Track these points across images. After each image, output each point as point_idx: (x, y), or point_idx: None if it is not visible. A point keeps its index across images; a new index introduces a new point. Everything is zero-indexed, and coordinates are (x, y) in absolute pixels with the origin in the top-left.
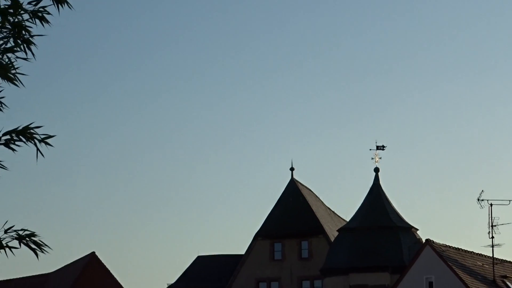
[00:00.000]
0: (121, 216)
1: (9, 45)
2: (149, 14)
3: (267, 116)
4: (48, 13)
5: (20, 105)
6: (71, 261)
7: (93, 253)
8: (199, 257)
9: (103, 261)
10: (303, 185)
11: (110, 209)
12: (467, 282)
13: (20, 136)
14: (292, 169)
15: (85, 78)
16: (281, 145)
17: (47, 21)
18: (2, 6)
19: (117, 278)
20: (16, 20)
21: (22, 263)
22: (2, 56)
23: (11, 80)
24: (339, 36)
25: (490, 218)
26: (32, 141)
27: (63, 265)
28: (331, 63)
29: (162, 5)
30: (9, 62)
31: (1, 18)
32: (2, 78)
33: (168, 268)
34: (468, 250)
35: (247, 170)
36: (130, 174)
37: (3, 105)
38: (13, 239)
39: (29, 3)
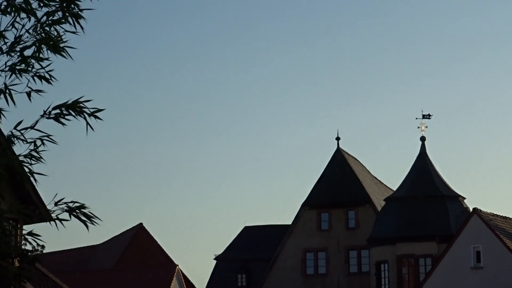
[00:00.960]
0: (168, 187)
1: (57, 17)
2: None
3: (312, 86)
4: None
5: (70, 79)
6: (119, 232)
7: (141, 224)
8: (246, 228)
9: (150, 232)
10: (349, 154)
11: (158, 180)
12: None
13: (70, 110)
14: (338, 138)
15: (133, 51)
16: (327, 114)
17: None
18: None
19: (165, 249)
20: None
21: (72, 235)
22: (50, 28)
23: (59, 52)
24: (381, 2)
25: None
26: (82, 115)
27: (111, 237)
28: (376, 31)
29: None
30: (57, 35)
31: None
32: (51, 51)
33: (215, 239)
34: None
35: (293, 141)
36: (177, 145)
37: (52, 78)
38: (64, 211)
39: None
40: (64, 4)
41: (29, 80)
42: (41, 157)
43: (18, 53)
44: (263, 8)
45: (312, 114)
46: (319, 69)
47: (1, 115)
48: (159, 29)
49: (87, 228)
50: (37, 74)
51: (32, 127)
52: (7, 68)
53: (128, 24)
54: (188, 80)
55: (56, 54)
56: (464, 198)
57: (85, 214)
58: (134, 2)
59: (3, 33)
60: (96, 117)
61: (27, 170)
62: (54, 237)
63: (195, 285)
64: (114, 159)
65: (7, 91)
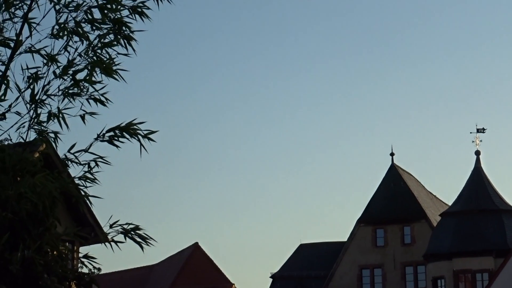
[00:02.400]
0: (224, 206)
1: (108, 40)
2: (250, 8)
3: (367, 103)
4: (148, 8)
5: (122, 101)
6: (175, 252)
7: (197, 243)
8: (301, 245)
9: (206, 251)
10: (403, 170)
11: (213, 200)
12: None
13: (124, 133)
14: (392, 154)
15: (185, 72)
16: (381, 131)
17: (147, 16)
18: (100, 2)
19: (221, 268)
20: (116, 16)
21: (128, 255)
22: (102, 51)
23: (111, 75)
24: (438, 15)
25: None
26: (136, 137)
27: (167, 256)
28: (427, 45)
29: (262, 11)
30: (110, 57)
31: (101, 14)
32: (103, 74)
33: (271, 257)
34: None
35: (348, 157)
36: (232, 164)
37: (108, 100)
38: (119, 233)
39: None
40: (116, 27)
41: (82, 103)
42: (95, 179)
43: (71, 77)
44: (306, 20)
45: (366, 131)
46: (373, 85)
47: (57, 139)
48: (212, 48)
49: (142, 250)
50: (92, 97)
51: (86, 150)
52: (59, 92)
53: (180, 44)
54: (243, 100)
55: (109, 77)
56: None
57: (140, 236)
58: (184, 22)
59: (56, 57)
60: (149, 139)
61: (82, 192)
62: (110, 258)
63: None
64: (168, 180)
65: (61, 115)
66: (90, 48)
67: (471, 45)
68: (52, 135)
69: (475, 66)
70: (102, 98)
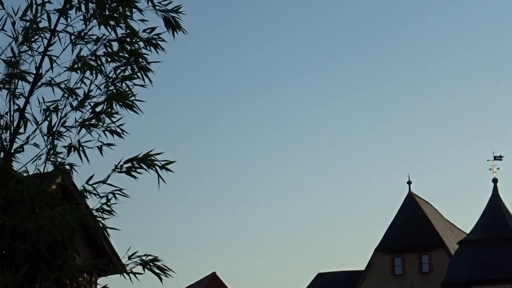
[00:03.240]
0: (241, 236)
1: (127, 73)
2: (268, 38)
3: (384, 132)
4: (163, 40)
5: (139, 131)
6: (193, 281)
7: (214, 273)
8: (319, 274)
9: (224, 281)
10: (421, 198)
11: (230, 229)
12: None
13: (141, 163)
14: (409, 182)
15: (202, 103)
16: (398, 159)
17: (162, 48)
18: (119, 35)
19: None
20: (133, 48)
21: (146, 286)
22: (122, 84)
23: (130, 107)
24: (459, 48)
25: None
26: (153, 168)
27: (185, 286)
28: (444, 75)
29: (288, 31)
30: (128, 89)
31: (119, 46)
32: (121, 106)
33: (289, 286)
34: None
35: (365, 186)
36: (248, 194)
37: (124, 132)
38: (137, 264)
39: (144, 30)
40: (132, 58)
41: (99, 135)
42: (113, 211)
43: (91, 110)
44: (325, 54)
45: (383, 159)
46: (390, 113)
47: (73, 170)
48: (229, 78)
49: (161, 281)
50: (108, 128)
51: (104, 182)
52: (77, 124)
53: (196, 74)
54: (262, 132)
55: (127, 109)
56: None
57: (158, 267)
58: (200, 52)
59: (75, 89)
60: (167, 169)
61: (100, 224)
62: None
63: None
64: (186, 210)
65: (81, 148)
66: (110, 81)
67: (488, 73)
68: (68, 167)
69: (492, 94)
70: (119, 130)
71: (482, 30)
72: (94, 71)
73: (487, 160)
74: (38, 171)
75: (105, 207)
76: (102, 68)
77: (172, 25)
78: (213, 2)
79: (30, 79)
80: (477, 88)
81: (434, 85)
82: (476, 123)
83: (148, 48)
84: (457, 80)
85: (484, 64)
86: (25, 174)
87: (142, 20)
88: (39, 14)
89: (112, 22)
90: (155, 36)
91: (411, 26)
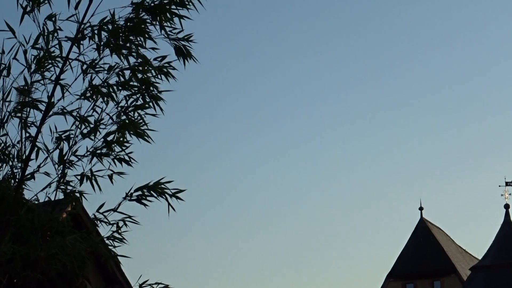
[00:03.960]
0: (252, 264)
1: (138, 102)
2: (273, 71)
3: (395, 158)
4: (174, 68)
5: (151, 160)
6: None
7: None
8: None
9: None
10: (432, 224)
11: (240, 257)
12: None
13: (152, 192)
14: (421, 208)
15: (213, 132)
16: (410, 184)
17: (173, 77)
18: (132, 64)
19: None
20: (144, 76)
21: None
22: (133, 113)
23: (142, 136)
24: (468, 77)
25: None
26: (164, 196)
27: None
28: (455, 104)
29: (286, 67)
30: (139, 118)
31: (131, 75)
32: (133, 135)
33: None
34: None
35: (377, 212)
36: (259, 223)
37: (132, 160)
38: None
39: (155, 59)
40: (143, 87)
41: (110, 163)
42: (123, 238)
43: (103, 139)
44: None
45: (395, 185)
46: (401, 140)
47: (83, 198)
48: (240, 106)
49: None
50: (117, 157)
51: (115, 210)
52: (88, 153)
53: (207, 102)
54: (273, 158)
55: (139, 138)
56: None
57: None
58: (211, 80)
59: (87, 118)
60: (177, 197)
61: (111, 252)
62: None
63: None
64: (196, 238)
65: (93, 177)
66: (122, 110)
67: (500, 99)
68: (78, 194)
69: (504, 120)
70: (127, 158)
71: (493, 55)
72: (105, 99)
73: (499, 186)
74: (49, 199)
75: (116, 234)
76: (114, 96)
77: (183, 53)
78: (225, 31)
79: (42, 107)
80: (489, 113)
81: (445, 111)
82: (487, 149)
83: (159, 77)
84: (469, 106)
85: (495, 90)
86: (36, 202)
87: (153, 49)
88: (50, 43)
89: (124, 51)
90: (166, 65)
91: (424, 52)
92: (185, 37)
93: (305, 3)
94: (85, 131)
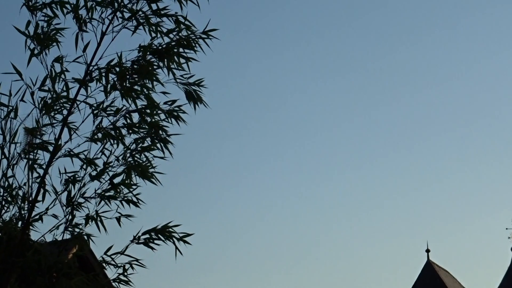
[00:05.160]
0: None
1: (146, 144)
2: (281, 110)
3: (402, 200)
4: (184, 112)
5: (159, 203)
6: None
7: None
8: None
9: None
10: (439, 266)
11: None
12: None
13: (159, 235)
14: (428, 251)
15: (222, 176)
16: (416, 227)
17: (183, 120)
18: (139, 106)
19: None
20: (153, 120)
21: None
22: (140, 155)
23: (149, 178)
24: (467, 112)
25: None
26: (171, 240)
27: None
28: (464, 143)
29: (293, 101)
30: (147, 161)
31: (139, 118)
32: (140, 177)
33: None
34: None
35: (383, 254)
36: (265, 265)
37: (140, 201)
38: None
39: (165, 103)
40: (152, 130)
41: (118, 206)
42: (129, 281)
43: (108, 181)
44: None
45: (401, 227)
46: (408, 181)
47: (90, 240)
48: (248, 150)
49: None
50: (125, 198)
51: (122, 253)
52: (95, 195)
53: (216, 146)
54: (278, 199)
55: (146, 181)
56: None
57: None
58: (220, 124)
59: (94, 160)
60: (185, 241)
61: None
62: None
63: None
64: (204, 283)
65: (99, 218)
66: (128, 152)
67: (506, 142)
68: (86, 237)
69: (510, 162)
70: (135, 199)
71: (496, 99)
72: (114, 142)
73: (506, 229)
74: (56, 240)
75: (122, 277)
76: (122, 139)
77: (194, 98)
78: (235, 77)
79: (51, 148)
80: (496, 156)
81: (454, 153)
82: (495, 191)
83: (169, 120)
84: (475, 149)
85: (501, 133)
86: (42, 242)
87: (164, 93)
88: (57, 84)
89: (132, 94)
90: (176, 108)
91: (426, 91)
92: (196, 82)
93: (309, 33)
94: (93, 173)
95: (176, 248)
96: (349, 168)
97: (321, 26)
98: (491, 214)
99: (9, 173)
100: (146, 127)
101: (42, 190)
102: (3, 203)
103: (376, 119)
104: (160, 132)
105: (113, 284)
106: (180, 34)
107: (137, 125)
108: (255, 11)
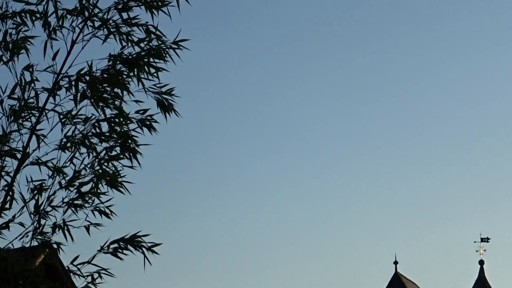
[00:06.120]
0: None
1: (115, 153)
2: (253, 121)
3: (370, 211)
4: (155, 121)
5: (127, 213)
6: None
7: None
8: None
9: None
10: (407, 278)
11: None
12: None
13: (128, 245)
14: (396, 262)
15: (191, 186)
16: (385, 238)
17: (155, 129)
18: (108, 115)
19: None
20: (123, 129)
21: None
22: (109, 164)
23: (117, 188)
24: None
25: None
26: (140, 250)
27: None
28: (432, 153)
29: (270, 115)
30: (115, 170)
31: (109, 127)
32: (109, 187)
33: None
34: None
35: (350, 266)
36: (237, 278)
37: (112, 213)
38: None
39: (136, 111)
40: (122, 139)
41: (87, 215)
42: None
43: (76, 190)
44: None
45: (369, 239)
46: (376, 192)
47: (59, 249)
48: (218, 160)
49: None
50: (97, 208)
51: (89, 262)
52: (64, 204)
53: (186, 156)
54: (249, 215)
55: (114, 190)
56: None
57: None
58: (191, 133)
59: (63, 169)
60: (153, 251)
61: None
62: None
63: None
64: None
65: (65, 227)
66: (97, 161)
67: (476, 153)
68: (55, 245)
69: (479, 175)
70: (107, 211)
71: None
72: (86, 150)
73: (474, 242)
74: (23, 247)
75: (91, 286)
76: (92, 148)
77: (165, 107)
78: (208, 86)
79: (19, 156)
80: (465, 169)
81: (420, 164)
82: (463, 205)
83: (141, 129)
84: (444, 160)
85: (470, 144)
86: (9, 249)
87: (136, 101)
88: (27, 93)
89: (102, 103)
90: (148, 117)
91: (413, 97)
92: (168, 91)
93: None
94: (62, 182)
95: (145, 257)
96: (310, 176)
97: (293, 33)
98: (460, 227)
99: None
100: (115, 136)
101: (9, 198)
102: None
103: (325, 132)
104: (130, 141)
105: None
106: (150, 43)
107: (106, 134)
108: (229, 20)
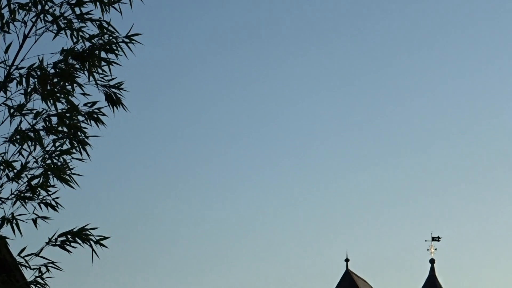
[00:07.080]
0: None
1: (65, 147)
2: (203, 114)
3: (322, 208)
4: (104, 114)
5: (76, 206)
6: None
7: None
8: None
9: None
10: (358, 276)
11: None
12: None
13: (76, 238)
14: (347, 260)
15: (140, 180)
16: (336, 236)
17: (102, 122)
18: (59, 110)
19: None
20: (72, 122)
21: None
22: (59, 158)
23: (66, 181)
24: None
25: None
26: (88, 243)
27: None
28: (385, 151)
29: (214, 112)
30: (64, 163)
31: (58, 120)
32: (57, 180)
33: None
34: None
35: (301, 263)
36: (184, 275)
37: (58, 205)
38: None
39: (85, 104)
40: (71, 131)
41: (35, 207)
42: (46, 284)
43: (26, 183)
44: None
45: (320, 236)
46: (327, 188)
47: (7, 244)
48: (166, 157)
49: None
50: (44, 201)
51: (37, 254)
52: (12, 196)
53: (136, 149)
54: (200, 212)
55: (63, 183)
56: None
57: None
58: (141, 127)
59: (12, 163)
60: (101, 245)
61: None
62: None
63: None
64: (119, 286)
65: (14, 220)
66: (47, 154)
67: (426, 153)
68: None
69: (431, 174)
70: (54, 203)
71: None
72: (32, 144)
73: (425, 241)
74: None
75: (39, 279)
76: (41, 141)
77: (113, 100)
78: (158, 80)
79: None
80: (418, 167)
81: (369, 161)
82: (414, 203)
83: (89, 122)
84: (396, 157)
85: (419, 142)
86: None
87: (84, 94)
88: None
89: (52, 97)
90: (96, 110)
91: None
92: (116, 85)
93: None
94: (11, 174)
95: (93, 250)
96: (257, 173)
97: (246, 27)
98: (411, 226)
99: None
100: (65, 129)
101: None
102: None
103: (270, 131)
104: (79, 133)
105: (31, 286)
106: (102, 38)
107: (56, 127)
108: (183, 16)
